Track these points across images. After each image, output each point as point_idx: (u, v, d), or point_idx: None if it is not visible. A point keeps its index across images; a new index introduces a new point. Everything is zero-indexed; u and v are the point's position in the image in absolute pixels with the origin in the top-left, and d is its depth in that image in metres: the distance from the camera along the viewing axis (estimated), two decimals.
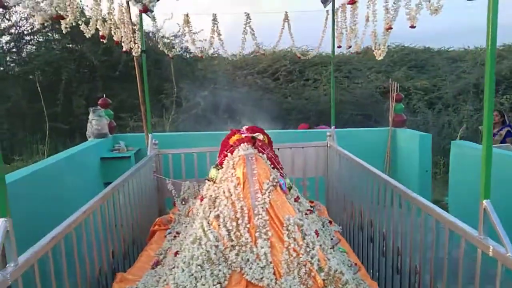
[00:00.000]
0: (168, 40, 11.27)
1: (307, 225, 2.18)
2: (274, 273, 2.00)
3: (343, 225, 3.82)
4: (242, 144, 2.55)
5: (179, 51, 11.03)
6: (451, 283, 2.17)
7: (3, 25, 9.73)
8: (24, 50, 10.50)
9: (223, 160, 2.54)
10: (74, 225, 2.28)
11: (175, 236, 2.99)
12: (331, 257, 2.12)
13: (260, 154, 2.41)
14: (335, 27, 4.16)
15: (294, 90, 12.23)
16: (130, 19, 3.76)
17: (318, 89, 12.28)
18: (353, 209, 3.79)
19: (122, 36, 3.56)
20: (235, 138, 2.96)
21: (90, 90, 9.80)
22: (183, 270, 1.97)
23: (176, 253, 2.39)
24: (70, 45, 10.19)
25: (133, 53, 3.94)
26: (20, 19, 9.98)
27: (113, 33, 3.40)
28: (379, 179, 3.00)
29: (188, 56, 11.33)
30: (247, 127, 3.44)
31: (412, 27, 2.68)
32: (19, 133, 9.22)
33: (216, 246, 2.03)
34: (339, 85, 12.23)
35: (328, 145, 4.48)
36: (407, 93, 11.43)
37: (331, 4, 4.23)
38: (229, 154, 2.48)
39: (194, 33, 7.82)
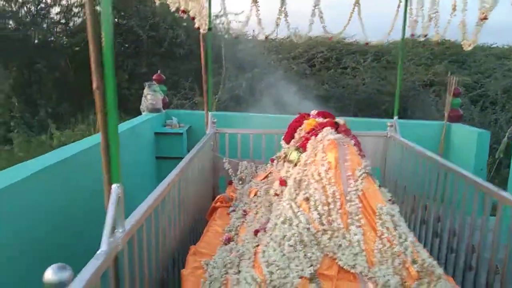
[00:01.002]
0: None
1: (398, 215, 2.14)
2: (366, 261, 1.97)
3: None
4: (325, 128, 2.50)
5: (221, 32, 11.02)
6: None
7: None
8: (72, 21, 10.67)
9: (306, 143, 2.51)
10: (160, 199, 2.30)
11: (244, 215, 3.00)
12: (420, 249, 2.07)
13: (348, 139, 2.36)
14: (407, 15, 4.01)
15: (331, 78, 12.02)
16: None
17: (357, 78, 12.03)
18: (415, 203, 3.70)
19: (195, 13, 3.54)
20: (311, 122, 2.92)
21: (135, 65, 9.91)
22: (274, 249, 1.97)
23: (257, 231, 2.38)
24: (117, 20, 10.27)
25: (201, 30, 3.92)
26: None
27: (189, 8, 3.37)
28: (457, 175, 2.89)
29: (227, 37, 11.28)
30: (316, 111, 3.40)
31: (484, 18, 2.55)
32: (64, 103, 9.44)
33: (308, 229, 2.01)
34: (378, 75, 11.97)
35: (388, 135, 4.38)
36: (446, 88, 11.10)
37: None
38: (313, 138, 2.43)
39: (235, 14, 7.75)
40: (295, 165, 2.51)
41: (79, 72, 9.90)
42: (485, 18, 2.68)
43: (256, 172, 4.15)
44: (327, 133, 2.42)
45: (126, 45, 10.18)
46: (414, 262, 1.97)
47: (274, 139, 4.45)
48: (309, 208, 2.09)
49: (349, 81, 12.00)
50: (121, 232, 1.70)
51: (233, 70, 10.55)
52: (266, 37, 4.94)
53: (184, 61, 10.31)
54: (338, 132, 2.52)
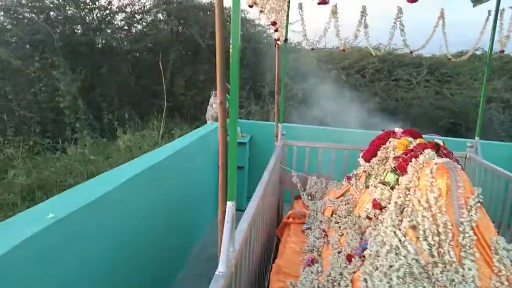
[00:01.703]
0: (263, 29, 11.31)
1: (510, 249, 1.96)
2: None
3: None
4: (427, 150, 2.36)
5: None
6: None
7: (120, 3, 10.30)
8: (134, 28, 11.06)
9: (404, 165, 2.37)
10: (256, 212, 2.26)
11: (324, 235, 2.90)
12: None
13: (456, 164, 2.20)
14: (497, 29, 3.77)
15: (384, 90, 11.69)
16: (289, 7, 3.70)
17: (411, 91, 11.63)
18: (499, 231, 3.45)
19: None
20: (403, 141, 2.78)
21: (192, 73, 10.11)
22: (381, 280, 1.85)
23: (349, 256, 2.28)
24: (178, 28, 10.54)
25: (278, 42, 3.88)
26: None
27: (271, 17, 3.35)
28: None
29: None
30: (402, 129, 3.25)
31: None
32: (125, 106, 9.76)
33: (417, 260, 1.88)
34: (434, 89, 11.53)
35: (468, 156, 4.13)
36: (506, 105, 10.50)
37: (490, 3, 3.85)
38: (413, 160, 2.30)
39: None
40: (392, 188, 2.38)
41: (139, 77, 10.24)
42: None
43: (326, 189, 4.04)
44: (431, 156, 2.27)
45: (185, 53, 10.40)
46: None
47: (343, 155, 4.33)
48: (417, 237, 1.96)
49: (403, 94, 11.64)
50: (232, 252, 1.66)
51: (288, 80, 10.50)
52: (312, 48, 4.89)
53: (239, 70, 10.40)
54: (439, 155, 2.37)
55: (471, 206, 1.98)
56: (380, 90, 11.73)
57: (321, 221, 3.21)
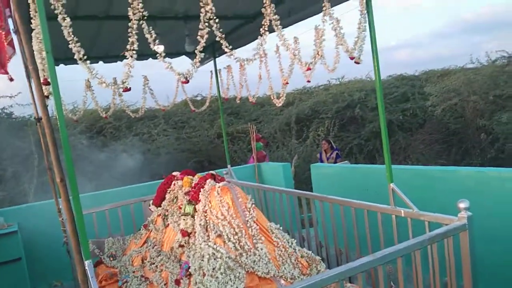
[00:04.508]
0: None
1: (278, 228, 2.94)
2: (274, 266, 2.66)
3: None
4: (208, 180, 3.13)
5: None
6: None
7: None
8: None
9: (196, 196, 3.07)
10: None
11: (146, 278, 3.23)
12: (301, 248, 2.92)
13: (231, 184, 3.05)
14: (220, 82, 5.07)
15: (129, 146, 12.33)
16: None
17: (154, 142, 12.67)
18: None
19: None
20: (186, 180, 3.48)
21: None
22: (210, 281, 2.44)
23: (177, 280, 2.75)
24: None
25: None
26: None
27: None
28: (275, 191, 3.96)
29: None
30: (180, 172, 3.96)
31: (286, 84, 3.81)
32: None
33: (229, 257, 2.57)
34: (175, 135, 13.09)
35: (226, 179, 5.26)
36: (234, 137, 13.22)
37: (210, 64, 5.16)
38: (202, 190, 3.03)
39: None
40: (192, 216, 3.02)
41: None
42: (287, 84, 3.88)
43: (125, 244, 4.30)
44: (212, 183, 3.05)
45: None
46: (302, 256, 2.79)
47: (129, 209, 4.69)
48: (224, 241, 2.65)
49: (148, 146, 12.51)
50: None
51: None
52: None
53: None
54: (217, 181, 3.18)
55: (249, 207, 2.85)
56: (126, 146, 12.26)
57: (134, 272, 3.51)
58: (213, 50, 5.05)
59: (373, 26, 2.82)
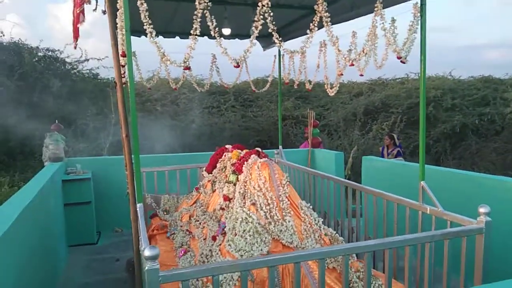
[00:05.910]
0: None
1: (309, 207, 3.22)
2: (298, 238, 2.96)
3: None
4: (252, 155, 3.49)
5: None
6: None
7: None
8: None
9: (240, 167, 3.44)
10: None
11: (190, 232, 3.71)
12: (326, 227, 3.18)
13: (271, 161, 3.38)
14: (282, 67, 5.36)
15: (199, 117, 13.04)
16: None
17: (221, 116, 13.27)
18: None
19: None
20: (235, 153, 3.87)
21: None
22: (239, 240, 2.81)
23: (214, 237, 3.17)
24: None
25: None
26: None
27: None
28: (323, 177, 4.18)
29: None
30: (231, 145, 4.36)
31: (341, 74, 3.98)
32: None
33: (259, 223, 2.92)
34: (241, 113, 13.60)
35: (276, 160, 5.59)
36: (296, 121, 13.33)
37: (275, 49, 5.45)
38: (245, 163, 3.39)
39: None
40: (234, 184, 3.41)
41: None
42: (341, 74, 4.05)
43: (178, 202, 4.85)
44: (255, 158, 3.40)
45: None
46: (326, 234, 3.06)
47: (186, 173, 5.23)
48: (256, 209, 3.01)
49: (215, 119, 13.15)
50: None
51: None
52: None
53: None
54: (260, 157, 3.53)
55: (284, 184, 3.16)
56: (196, 117, 13.02)
57: (181, 226, 4.01)
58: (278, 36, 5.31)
59: (425, 29, 2.91)
